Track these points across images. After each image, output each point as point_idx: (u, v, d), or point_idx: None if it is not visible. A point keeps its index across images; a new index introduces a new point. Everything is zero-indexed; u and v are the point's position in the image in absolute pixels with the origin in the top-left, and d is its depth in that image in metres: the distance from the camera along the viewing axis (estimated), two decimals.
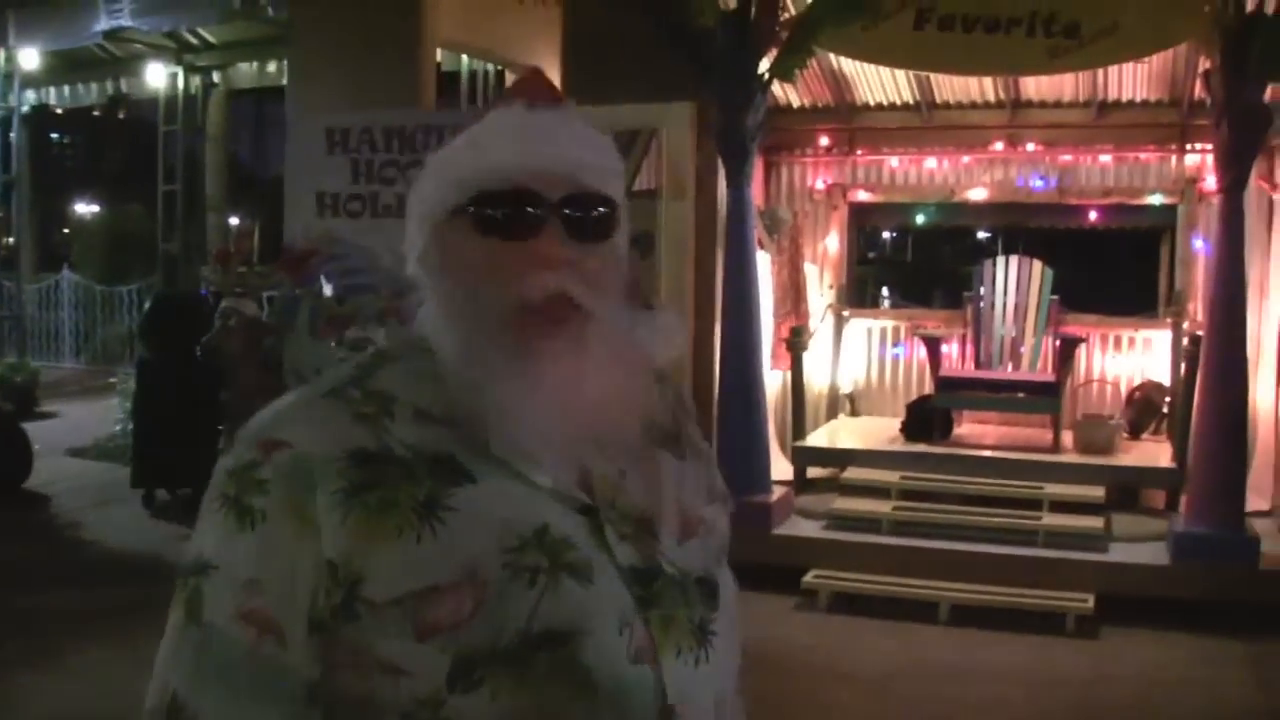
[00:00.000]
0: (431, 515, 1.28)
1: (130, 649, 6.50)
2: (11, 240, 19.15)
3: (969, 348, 9.75)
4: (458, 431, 1.34)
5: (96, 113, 33.59)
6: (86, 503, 10.15)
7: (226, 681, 1.26)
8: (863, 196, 10.35)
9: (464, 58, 14.28)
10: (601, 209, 1.42)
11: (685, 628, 1.44)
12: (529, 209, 1.36)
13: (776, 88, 8.94)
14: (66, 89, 20.28)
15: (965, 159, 10.06)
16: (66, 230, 31.64)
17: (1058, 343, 9.26)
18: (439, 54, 12.31)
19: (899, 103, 9.97)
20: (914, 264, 29.78)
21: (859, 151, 10.22)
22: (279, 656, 1.26)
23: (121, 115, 35.10)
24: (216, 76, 18.62)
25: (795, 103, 10.03)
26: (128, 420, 10.96)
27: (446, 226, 1.38)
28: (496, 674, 1.25)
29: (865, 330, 10.31)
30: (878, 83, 9.77)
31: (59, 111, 22.44)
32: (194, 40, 17.60)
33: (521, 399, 1.34)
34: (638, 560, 1.40)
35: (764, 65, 7.88)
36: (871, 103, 10.03)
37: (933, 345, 9.40)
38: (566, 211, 1.38)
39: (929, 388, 9.42)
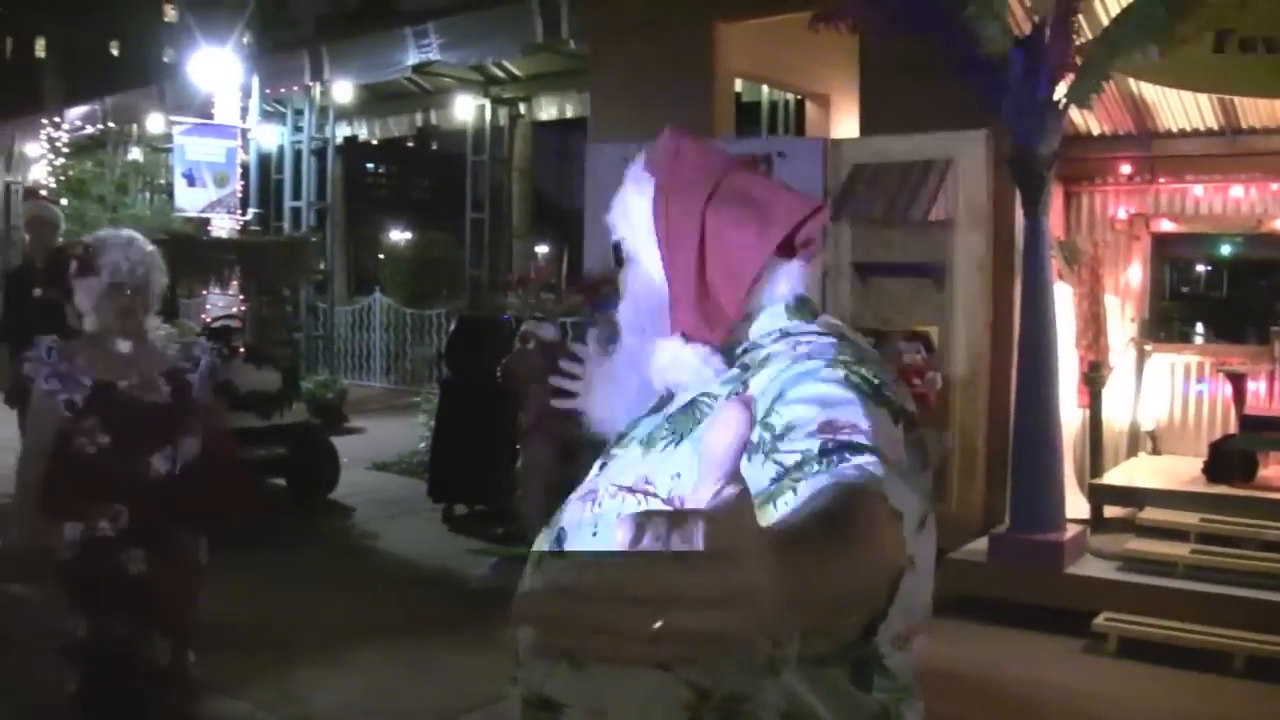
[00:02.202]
0: None
1: (405, 657, 6.80)
2: (324, 265, 20.07)
3: (1276, 385, 9.31)
4: None
5: (409, 144, 35.13)
6: (386, 514, 10.58)
7: None
8: (1165, 226, 9.99)
9: (763, 88, 14.44)
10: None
11: (539, 547, 1.85)
12: None
13: (1075, 115, 8.75)
14: (378, 121, 21.23)
15: (1274, 186, 9.59)
16: (380, 256, 33.06)
17: None
18: (739, 84, 12.47)
19: (1202, 128, 9.56)
20: (1229, 299, 28.52)
21: (1161, 180, 9.86)
22: None
23: (434, 146, 36.60)
24: (522, 108, 19.24)
25: (1094, 130, 9.78)
26: (430, 437, 11.38)
27: None
28: None
29: (1169, 365, 9.95)
30: (1180, 108, 9.43)
31: (373, 143, 23.48)
32: (499, 73, 18.23)
33: None
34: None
35: (1060, 91, 7.73)
36: (1174, 129, 9.67)
37: (1238, 382, 9.01)
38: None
39: (1234, 426, 9.04)
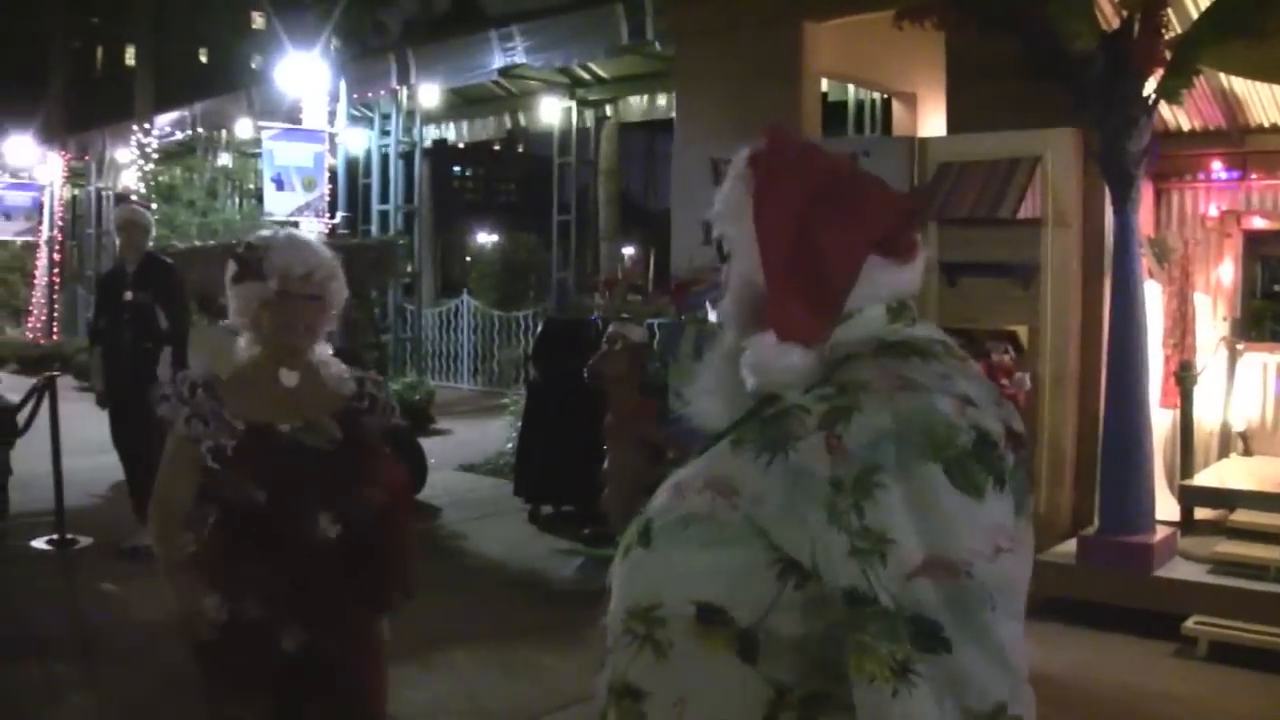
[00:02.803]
0: None
1: (494, 657, 6.86)
2: (412, 267, 20.25)
3: None
4: None
5: (496, 147, 35.34)
6: (473, 515, 10.66)
7: None
8: (1257, 224, 9.84)
9: (850, 87, 14.40)
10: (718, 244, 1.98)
11: (626, 539, 1.85)
12: None
13: (1165, 111, 8.65)
14: (466, 124, 21.39)
15: None
16: (468, 258, 33.26)
17: None
18: (824, 83, 12.45)
19: None
20: None
21: (1253, 176, 9.71)
22: None
23: (520, 149, 36.80)
24: (608, 110, 19.31)
25: (1185, 126, 9.66)
26: (517, 438, 11.44)
27: None
28: None
29: (1260, 365, 9.80)
30: (1271, 102, 9.27)
31: (460, 145, 23.65)
32: (585, 75, 18.31)
33: None
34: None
35: (1149, 87, 7.65)
36: (1266, 124, 9.52)
37: None
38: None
39: None
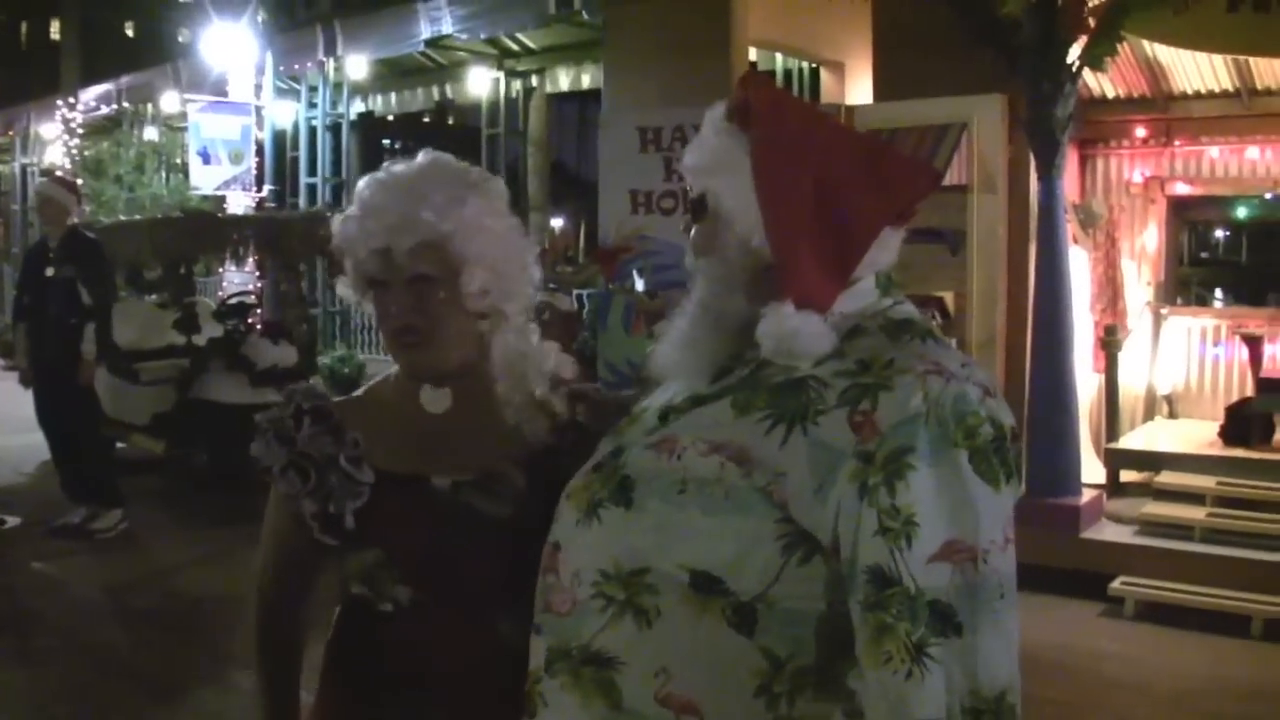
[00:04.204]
0: None
1: None
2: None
3: None
4: None
5: (425, 119, 35.07)
6: None
7: None
8: (1181, 190, 9.96)
9: (778, 56, 14.41)
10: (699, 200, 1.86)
11: (586, 495, 1.80)
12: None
13: (1090, 78, 8.73)
14: (394, 96, 21.23)
15: None
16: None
17: None
18: (753, 52, 12.46)
19: (1217, 90, 9.51)
20: (1246, 262, 28.34)
21: (1177, 143, 9.83)
22: None
23: (449, 121, 36.58)
24: (535, 81, 19.23)
25: (1109, 93, 9.75)
26: None
27: None
28: None
29: (1185, 329, 9.94)
30: (1194, 70, 9.38)
31: (389, 118, 23.48)
32: (514, 46, 18.22)
33: None
34: (628, 440, 1.83)
35: (1074, 54, 7.71)
36: (1189, 91, 9.62)
37: (1254, 345, 9.00)
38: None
39: (1251, 390, 9.03)
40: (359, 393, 2.30)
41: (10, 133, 28.06)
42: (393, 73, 20.17)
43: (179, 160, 21.97)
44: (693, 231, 1.89)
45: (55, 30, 39.33)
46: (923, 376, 1.62)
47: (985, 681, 1.55)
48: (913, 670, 1.52)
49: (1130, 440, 9.15)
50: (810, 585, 1.63)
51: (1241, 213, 11.57)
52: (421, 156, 2.18)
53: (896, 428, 1.59)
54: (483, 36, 17.32)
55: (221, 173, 19.01)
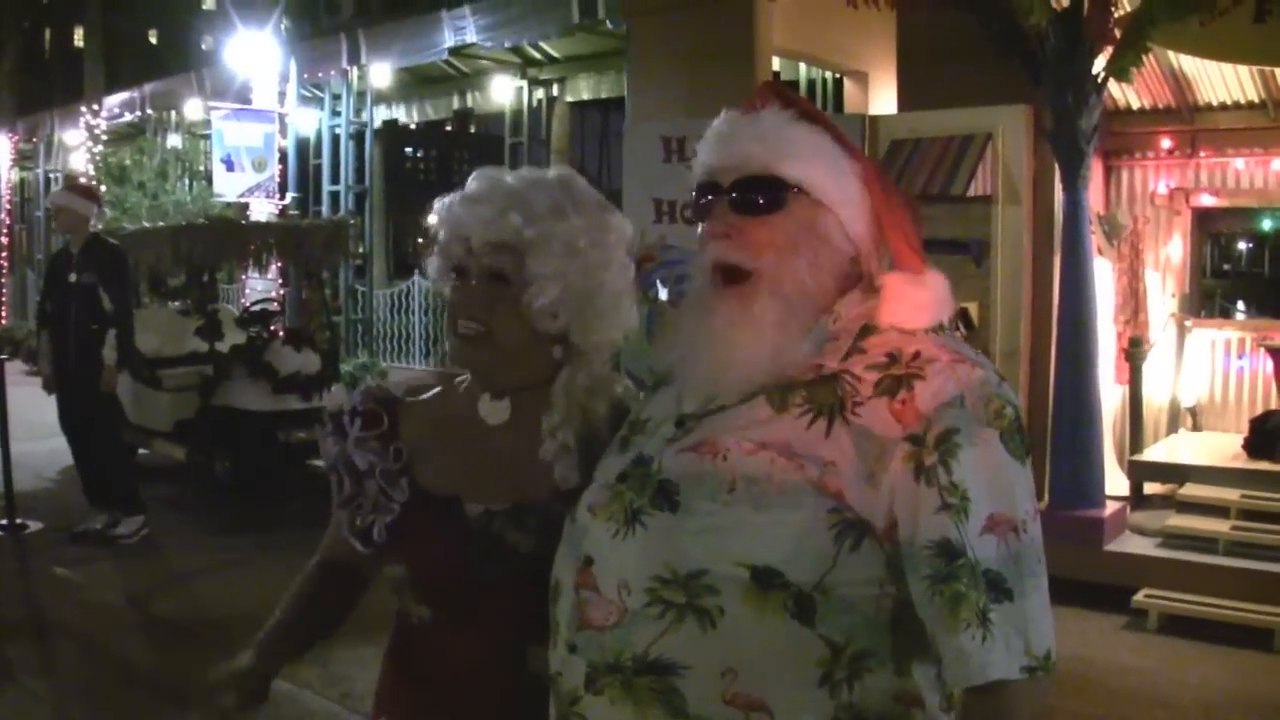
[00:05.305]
0: None
1: None
2: (364, 248, 20.13)
3: None
4: None
5: (448, 127, 35.12)
6: None
7: None
8: (1206, 201, 9.92)
9: (801, 65, 14.40)
10: (769, 187, 1.84)
11: (620, 505, 1.80)
12: (707, 195, 1.92)
13: (1115, 89, 8.70)
14: (417, 104, 21.24)
15: None
16: (420, 239, 33.11)
17: None
18: (776, 62, 12.45)
19: (1243, 102, 9.49)
20: (1270, 274, 28.23)
21: (1202, 154, 9.79)
22: None
23: (472, 129, 36.62)
24: (558, 89, 19.23)
25: (1134, 104, 9.72)
26: None
27: None
28: None
29: (1209, 341, 9.88)
30: (1220, 81, 9.36)
31: (411, 126, 23.49)
32: (537, 55, 18.23)
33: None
34: (649, 450, 1.84)
35: (1099, 65, 7.68)
36: (1215, 102, 9.60)
37: (1278, 358, 8.95)
38: (734, 195, 1.87)
39: (1275, 402, 8.98)
40: (431, 393, 2.29)
41: (34, 139, 28.18)
42: (416, 81, 20.17)
43: (202, 167, 22.06)
44: (751, 224, 1.88)
45: (79, 38, 39.50)
46: (951, 364, 1.74)
47: (1035, 641, 1.64)
48: (985, 635, 1.62)
49: (1154, 452, 9.10)
50: (862, 571, 1.70)
51: (1266, 225, 11.49)
52: (555, 170, 2.23)
53: (939, 411, 1.69)
54: (506, 45, 17.33)
55: (245, 180, 19.07)
